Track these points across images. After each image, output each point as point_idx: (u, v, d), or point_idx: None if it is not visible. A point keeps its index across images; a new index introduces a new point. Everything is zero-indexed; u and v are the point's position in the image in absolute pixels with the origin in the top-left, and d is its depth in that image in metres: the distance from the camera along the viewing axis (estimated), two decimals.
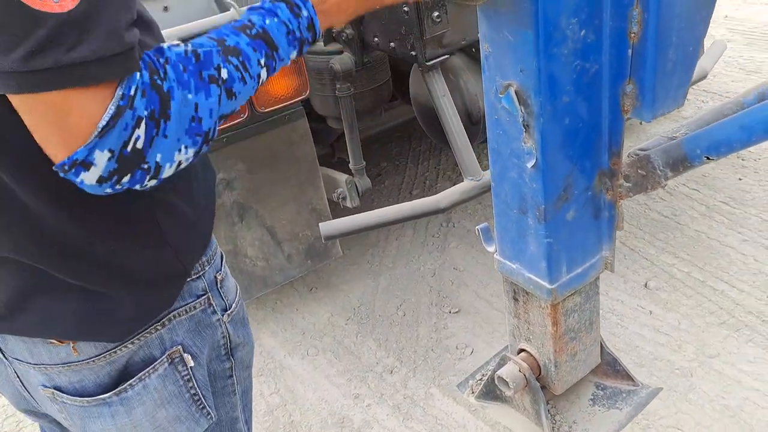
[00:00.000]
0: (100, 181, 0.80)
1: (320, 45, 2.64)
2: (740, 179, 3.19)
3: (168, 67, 0.84)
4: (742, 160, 3.34)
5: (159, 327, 1.07)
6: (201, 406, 1.13)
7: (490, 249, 1.50)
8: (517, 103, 1.16)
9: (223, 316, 1.16)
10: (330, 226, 2.24)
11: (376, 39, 2.44)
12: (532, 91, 1.14)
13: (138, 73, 0.80)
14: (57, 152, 0.79)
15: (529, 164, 1.20)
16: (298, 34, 0.97)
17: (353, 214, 2.34)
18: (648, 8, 1.05)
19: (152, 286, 1.05)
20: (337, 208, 2.81)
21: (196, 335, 1.13)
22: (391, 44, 2.35)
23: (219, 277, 1.17)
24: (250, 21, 0.94)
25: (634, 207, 3.13)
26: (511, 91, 1.16)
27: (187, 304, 1.10)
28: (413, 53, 2.27)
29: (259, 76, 0.94)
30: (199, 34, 2.01)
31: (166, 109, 0.82)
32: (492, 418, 2.21)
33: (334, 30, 2.54)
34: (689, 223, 2.97)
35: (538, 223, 1.26)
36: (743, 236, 2.83)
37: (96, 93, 0.77)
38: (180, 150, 0.85)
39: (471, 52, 2.62)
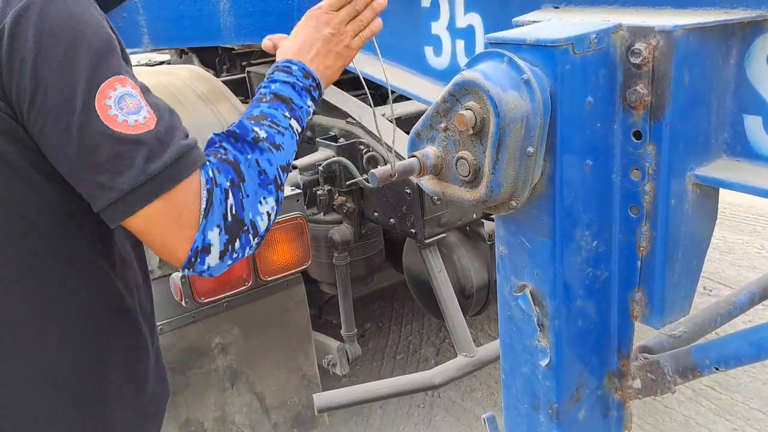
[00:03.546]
0: (222, 256, 0.96)
1: (320, 215, 2.75)
2: None
3: (224, 144, 1.02)
4: None
5: None
6: None
7: None
8: (532, 304, 1.22)
9: None
10: (324, 398, 2.22)
11: (375, 213, 2.55)
12: (547, 294, 1.20)
13: (207, 161, 0.98)
14: (179, 249, 0.94)
15: (543, 362, 1.24)
16: (301, 83, 1.16)
17: (342, 380, 2.32)
18: (656, 226, 1.14)
19: None
20: (325, 373, 2.79)
21: None
22: (391, 220, 2.46)
23: None
24: (261, 95, 1.13)
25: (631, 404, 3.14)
26: (527, 292, 1.23)
27: None
28: (413, 231, 2.37)
29: (290, 126, 1.12)
30: None
31: (240, 173, 0.99)
32: None
33: (335, 202, 2.66)
34: (677, 407, 2.98)
35: (550, 421, 1.28)
36: (732, 424, 2.84)
37: (190, 185, 0.94)
38: (261, 202, 1.01)
39: (465, 230, 2.74)
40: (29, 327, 0.98)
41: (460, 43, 1.92)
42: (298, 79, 1.16)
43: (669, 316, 1.20)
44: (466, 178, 1.14)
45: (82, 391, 1.04)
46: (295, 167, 2.54)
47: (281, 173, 1.06)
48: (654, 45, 1.06)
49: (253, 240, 1.00)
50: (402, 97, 3.04)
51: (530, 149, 1.06)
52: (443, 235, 2.45)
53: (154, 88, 2.76)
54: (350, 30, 1.26)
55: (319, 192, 2.59)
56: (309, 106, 1.17)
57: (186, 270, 0.95)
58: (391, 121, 2.65)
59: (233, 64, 3.58)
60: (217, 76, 3.34)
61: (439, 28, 1.98)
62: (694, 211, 1.17)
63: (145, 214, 0.92)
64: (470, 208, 2.57)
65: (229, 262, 0.98)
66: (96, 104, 0.88)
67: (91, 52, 0.90)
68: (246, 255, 1.01)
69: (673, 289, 1.19)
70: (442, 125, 1.15)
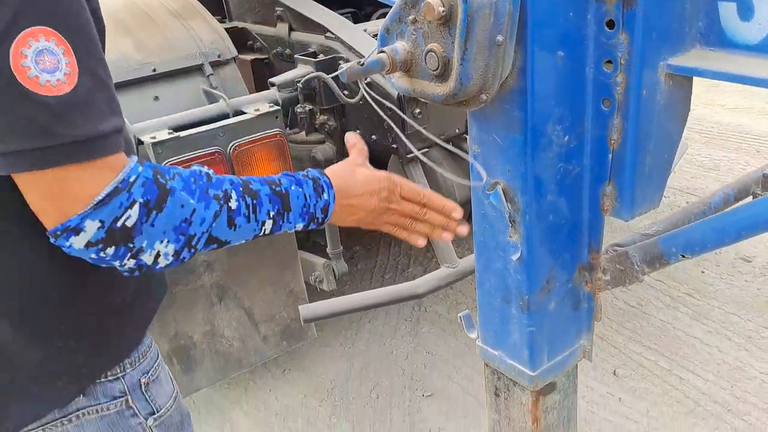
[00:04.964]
0: (88, 245, 0.87)
1: (302, 135, 2.73)
2: (702, 272, 3.32)
3: (177, 176, 0.93)
4: None
5: (66, 422, 1.07)
6: None
7: (472, 336, 1.54)
8: (504, 200, 1.23)
9: (148, 420, 1.16)
10: (310, 309, 2.26)
11: (358, 131, 2.54)
12: (518, 190, 1.21)
13: (139, 166, 0.89)
14: (52, 220, 0.86)
15: (515, 257, 1.26)
16: (312, 210, 1.08)
17: (329, 296, 2.37)
18: (627, 118, 1.14)
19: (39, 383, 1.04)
20: (313, 291, 2.84)
21: None
22: (373, 136, 2.45)
23: (144, 381, 1.16)
24: (279, 180, 1.05)
25: (601, 296, 3.22)
26: (499, 189, 1.24)
27: (99, 404, 1.10)
28: (394, 146, 2.37)
29: (263, 223, 1.02)
30: (187, 124, 2.10)
31: (162, 203, 0.89)
32: None
33: (316, 121, 2.64)
34: (655, 313, 3.06)
35: (521, 312, 1.31)
36: (707, 327, 2.93)
37: (94, 168, 0.85)
38: (162, 241, 0.91)
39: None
40: None
41: None
42: (315, 206, 1.09)
43: (639, 208, 1.22)
44: (435, 72, 1.12)
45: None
46: (273, 84, 2.50)
47: (203, 239, 0.95)
48: None
49: (128, 260, 0.90)
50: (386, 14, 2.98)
51: (500, 38, 1.05)
52: (426, 150, 2.45)
53: (126, 6, 2.68)
54: (393, 221, 1.25)
55: (299, 110, 2.57)
56: (295, 228, 1.09)
57: (50, 235, 0.88)
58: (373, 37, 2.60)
59: None
60: None
61: None
62: (667, 102, 1.16)
63: (26, 178, 0.84)
64: (452, 122, 2.56)
65: (93, 256, 0.89)
66: (11, 50, 0.79)
67: None
68: (113, 265, 0.92)
69: (644, 181, 1.20)
70: (411, 17, 1.13)
